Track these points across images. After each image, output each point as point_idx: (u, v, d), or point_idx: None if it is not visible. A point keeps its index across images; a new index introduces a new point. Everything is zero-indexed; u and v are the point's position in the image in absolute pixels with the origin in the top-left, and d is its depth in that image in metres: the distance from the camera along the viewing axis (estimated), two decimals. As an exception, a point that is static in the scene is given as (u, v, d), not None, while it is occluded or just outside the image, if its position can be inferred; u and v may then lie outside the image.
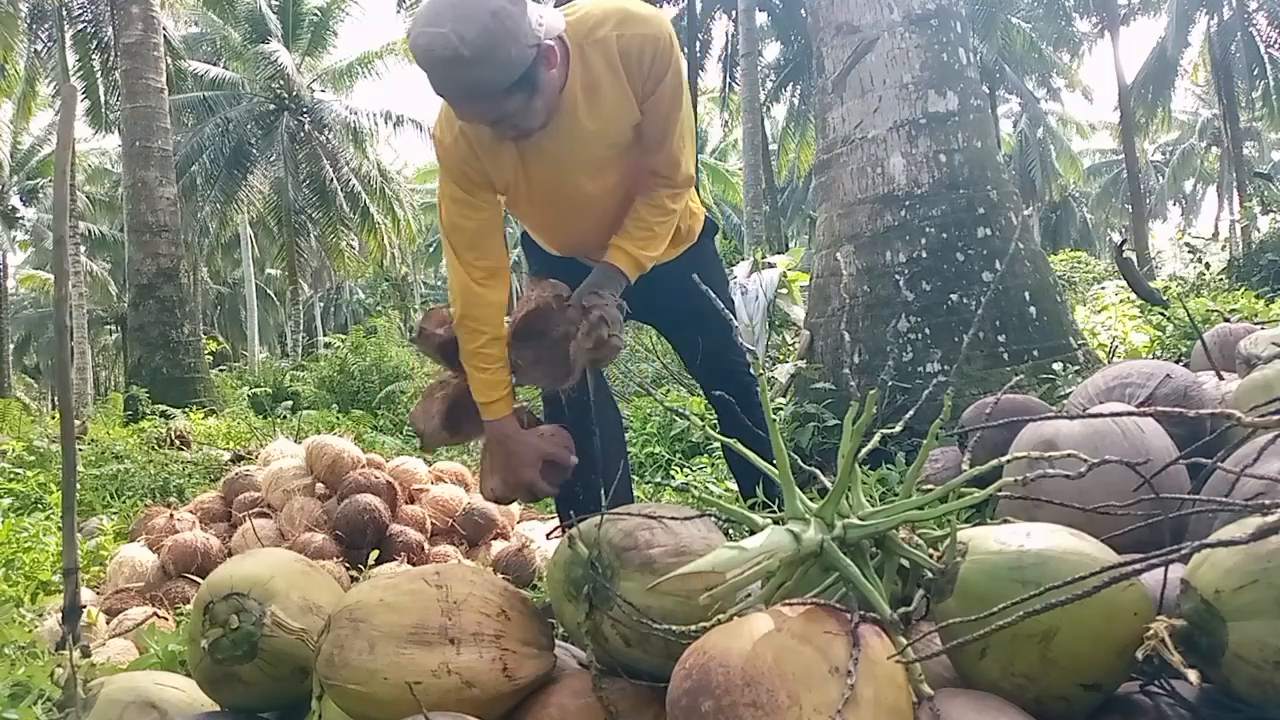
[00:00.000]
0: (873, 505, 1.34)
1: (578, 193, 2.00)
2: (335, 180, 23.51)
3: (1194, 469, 1.59)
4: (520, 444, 1.98)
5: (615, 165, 1.99)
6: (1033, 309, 3.75)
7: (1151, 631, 1.08)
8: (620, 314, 1.93)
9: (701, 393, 2.66)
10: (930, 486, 1.39)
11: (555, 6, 1.89)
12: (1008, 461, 1.39)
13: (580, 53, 1.81)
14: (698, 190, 2.25)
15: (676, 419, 5.38)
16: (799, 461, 1.49)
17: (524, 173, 1.95)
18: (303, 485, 3.62)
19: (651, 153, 1.97)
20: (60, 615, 1.93)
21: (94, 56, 18.12)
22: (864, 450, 1.37)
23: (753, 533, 1.27)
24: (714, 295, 1.68)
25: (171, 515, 3.61)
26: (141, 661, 2.12)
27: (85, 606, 2.46)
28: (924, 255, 3.76)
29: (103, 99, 18.31)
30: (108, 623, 2.91)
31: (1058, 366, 3.55)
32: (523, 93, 1.70)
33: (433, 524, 3.54)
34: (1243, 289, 7.83)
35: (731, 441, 1.70)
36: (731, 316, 1.71)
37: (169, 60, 14.87)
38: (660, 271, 2.14)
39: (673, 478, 4.48)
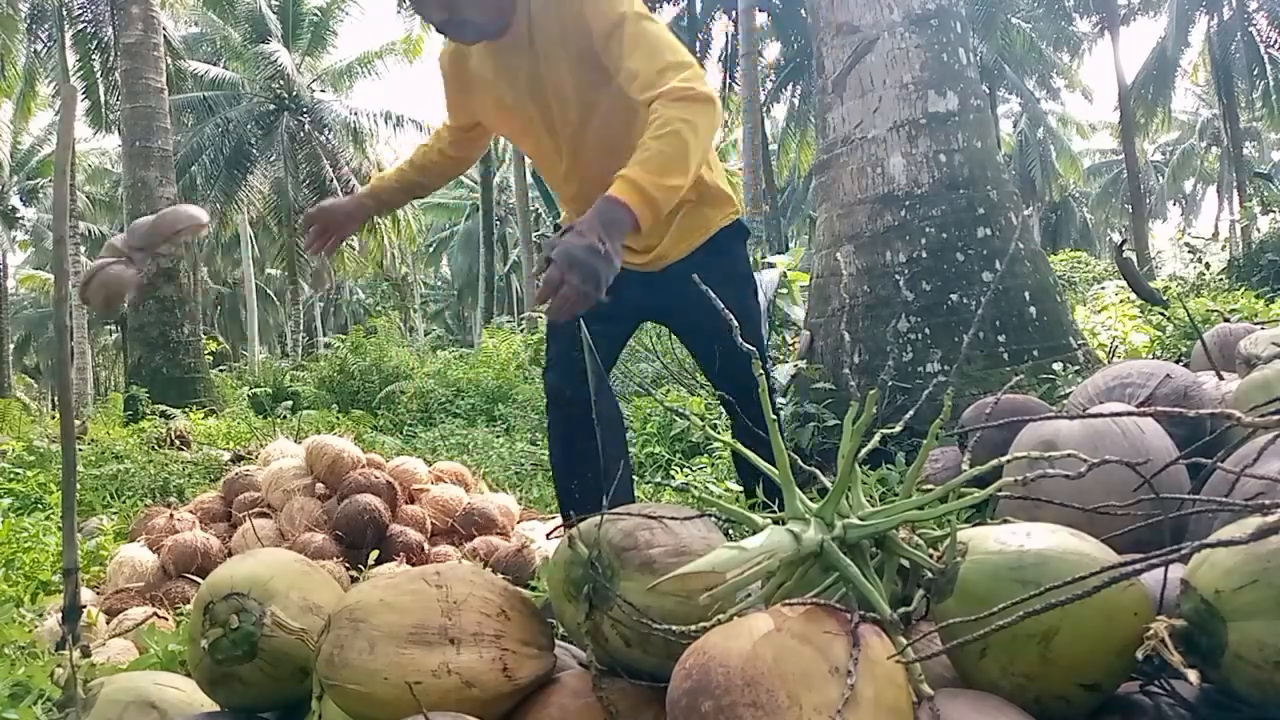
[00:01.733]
0: (873, 505, 1.34)
1: (561, 120, 2.03)
2: (335, 180, 23.52)
3: (1194, 469, 1.59)
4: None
5: (597, 98, 1.95)
6: (1033, 309, 3.75)
7: (1151, 631, 1.08)
8: (595, 255, 1.54)
9: (705, 393, 2.63)
10: (930, 486, 1.39)
11: None
12: (1008, 461, 1.39)
13: None
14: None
15: (676, 419, 5.38)
16: (799, 461, 1.48)
17: (498, 94, 2.08)
18: (303, 485, 3.61)
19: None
20: (60, 615, 1.92)
21: (94, 56, 18.14)
22: (864, 450, 1.37)
23: (753, 533, 1.27)
24: (718, 299, 1.50)
25: (171, 515, 3.61)
26: (141, 661, 2.12)
27: (85, 606, 2.46)
28: (924, 255, 3.76)
29: (103, 99, 18.34)
30: (108, 623, 2.91)
31: (1058, 366, 3.55)
32: None
33: (433, 524, 3.54)
34: (1243, 289, 7.83)
35: (735, 443, 1.69)
36: (733, 319, 1.49)
37: (169, 60, 14.87)
38: (672, 271, 2.10)
39: (673, 478, 4.48)
